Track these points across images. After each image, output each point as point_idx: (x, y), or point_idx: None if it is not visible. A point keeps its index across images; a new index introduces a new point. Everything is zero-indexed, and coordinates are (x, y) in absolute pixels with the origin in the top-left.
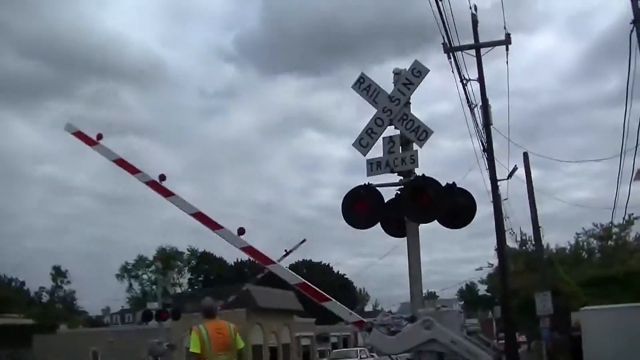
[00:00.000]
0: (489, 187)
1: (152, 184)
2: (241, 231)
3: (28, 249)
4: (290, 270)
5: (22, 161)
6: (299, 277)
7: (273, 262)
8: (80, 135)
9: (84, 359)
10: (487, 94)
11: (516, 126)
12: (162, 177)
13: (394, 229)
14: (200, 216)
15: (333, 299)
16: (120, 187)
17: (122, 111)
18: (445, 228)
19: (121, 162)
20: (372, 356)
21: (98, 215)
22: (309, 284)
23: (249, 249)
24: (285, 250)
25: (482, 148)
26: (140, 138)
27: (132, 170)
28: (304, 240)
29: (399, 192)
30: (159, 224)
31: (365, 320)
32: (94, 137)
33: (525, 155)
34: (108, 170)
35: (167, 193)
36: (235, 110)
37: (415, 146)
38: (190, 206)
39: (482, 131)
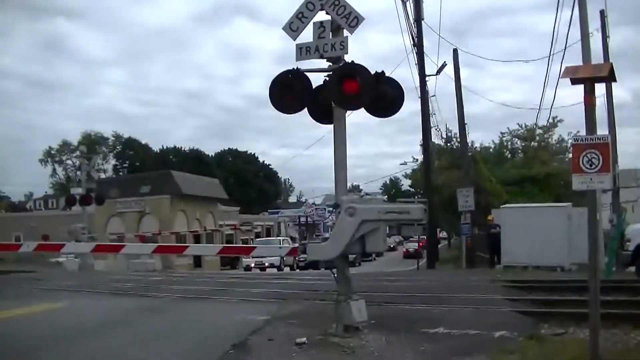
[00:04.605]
0: (418, 84)
1: (40, 247)
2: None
3: None
4: (207, 245)
5: None
6: (218, 245)
7: (187, 246)
8: None
9: None
10: None
11: (447, 25)
12: (46, 237)
13: (321, 115)
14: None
15: (258, 246)
16: (46, 71)
17: None
18: (372, 116)
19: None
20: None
21: (21, 99)
22: (229, 245)
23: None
24: None
25: (412, 43)
26: (69, 21)
27: (15, 247)
28: None
29: (327, 78)
30: (84, 109)
31: (295, 246)
32: None
33: (455, 51)
34: (33, 53)
35: (58, 247)
36: None
37: (345, 32)
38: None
39: (413, 25)
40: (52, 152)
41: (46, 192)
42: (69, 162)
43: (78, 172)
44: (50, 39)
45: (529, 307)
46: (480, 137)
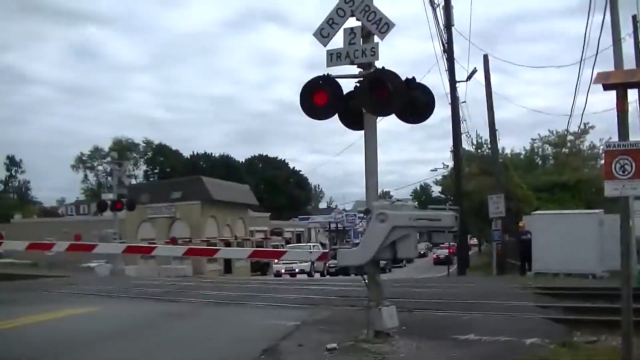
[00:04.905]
0: (448, 90)
1: (72, 247)
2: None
3: None
4: (238, 248)
5: None
6: (248, 249)
7: (218, 249)
8: None
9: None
10: None
11: (477, 31)
12: (78, 237)
13: (352, 121)
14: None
15: (288, 250)
16: (78, 77)
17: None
18: (402, 123)
19: (33, 245)
20: None
21: (54, 105)
22: (259, 249)
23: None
24: None
25: (442, 49)
26: (100, 28)
27: (48, 246)
28: None
29: (358, 84)
30: (115, 115)
31: (326, 251)
32: None
33: (486, 57)
34: (66, 60)
35: (90, 247)
36: (197, 2)
37: (376, 38)
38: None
39: (443, 31)
40: (84, 157)
41: (78, 197)
42: (100, 167)
43: (109, 178)
44: (81, 46)
45: (560, 315)
46: (511, 143)
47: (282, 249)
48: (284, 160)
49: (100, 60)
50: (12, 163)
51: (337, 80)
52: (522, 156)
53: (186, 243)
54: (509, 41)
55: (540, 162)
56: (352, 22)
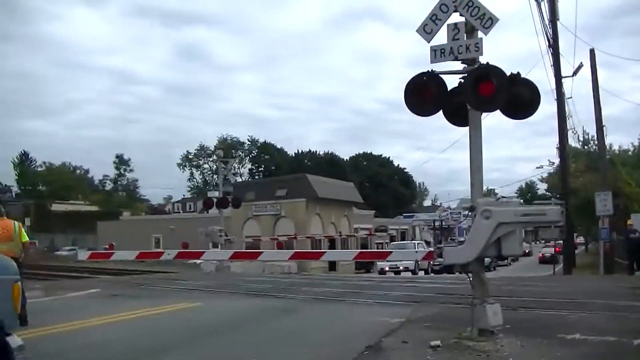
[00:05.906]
0: (553, 85)
1: (180, 255)
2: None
3: (92, 137)
4: (343, 251)
5: (88, 51)
6: (353, 251)
7: (324, 253)
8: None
9: (146, 245)
10: None
11: (582, 25)
12: (185, 245)
13: (456, 118)
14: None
15: (393, 251)
16: (184, 77)
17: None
18: (507, 119)
19: (143, 255)
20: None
21: (161, 105)
22: (364, 250)
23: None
24: None
25: (547, 44)
26: (208, 29)
27: (157, 254)
28: None
29: (462, 80)
30: (221, 114)
31: (431, 249)
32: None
33: (592, 52)
34: (172, 61)
35: (198, 255)
36: (299, 1)
37: (480, 34)
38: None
39: (548, 26)
40: (190, 156)
41: (184, 195)
42: (206, 166)
43: (215, 176)
44: (188, 46)
45: None
46: (619, 139)
47: (386, 249)
48: (389, 157)
49: (206, 60)
50: (121, 162)
51: (442, 76)
52: (630, 152)
53: (291, 239)
54: (616, 34)
55: None
56: (455, 18)
